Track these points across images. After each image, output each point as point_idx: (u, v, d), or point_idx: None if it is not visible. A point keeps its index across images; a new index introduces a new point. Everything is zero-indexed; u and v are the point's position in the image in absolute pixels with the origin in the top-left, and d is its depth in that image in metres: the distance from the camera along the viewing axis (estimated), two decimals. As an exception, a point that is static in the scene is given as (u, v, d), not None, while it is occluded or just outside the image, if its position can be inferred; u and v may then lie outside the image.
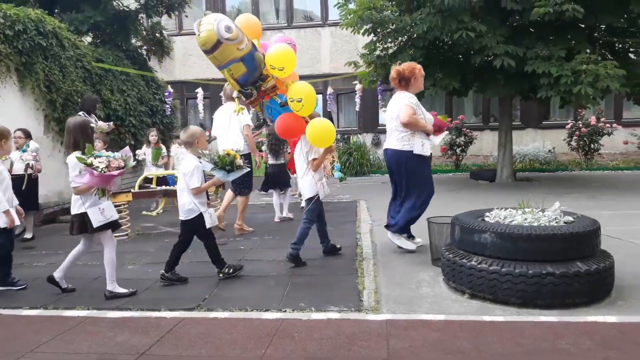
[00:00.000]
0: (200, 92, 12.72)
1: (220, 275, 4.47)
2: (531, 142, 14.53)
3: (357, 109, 12.99)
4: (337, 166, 5.70)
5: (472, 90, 11.08)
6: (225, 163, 4.23)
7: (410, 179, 5.09)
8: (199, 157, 4.35)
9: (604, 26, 9.44)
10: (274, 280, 4.40)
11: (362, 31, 10.24)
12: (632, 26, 9.41)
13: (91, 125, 4.23)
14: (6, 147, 4.38)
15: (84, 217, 4.00)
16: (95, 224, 3.97)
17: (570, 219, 3.94)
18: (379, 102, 12.71)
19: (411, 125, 4.95)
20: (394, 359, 2.76)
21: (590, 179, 11.19)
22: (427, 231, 4.78)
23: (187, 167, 4.31)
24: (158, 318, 3.57)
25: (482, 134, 14.35)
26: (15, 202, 4.42)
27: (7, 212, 4.14)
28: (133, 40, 12.61)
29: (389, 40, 10.35)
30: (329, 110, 13.56)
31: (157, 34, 13.88)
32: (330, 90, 12.59)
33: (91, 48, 10.11)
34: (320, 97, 13.39)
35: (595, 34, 9.78)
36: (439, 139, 5.27)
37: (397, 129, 5.04)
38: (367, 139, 15.26)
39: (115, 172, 3.91)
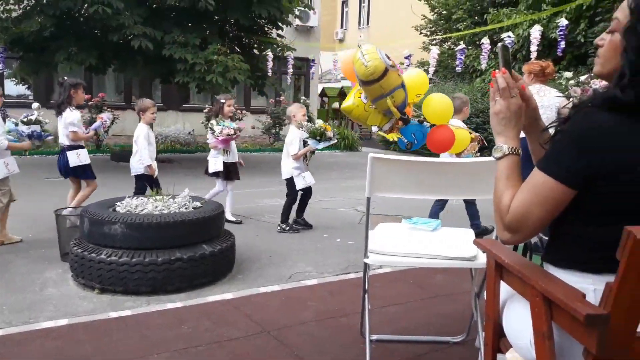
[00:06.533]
0: None
1: (279, 227, 5.48)
2: (173, 124, 14.99)
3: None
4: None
5: (112, 68, 10.65)
6: (316, 134, 5.00)
7: None
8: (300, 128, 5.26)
9: (233, 21, 10.40)
10: None
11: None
12: (255, 25, 10.68)
13: (221, 101, 5.78)
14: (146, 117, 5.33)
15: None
16: (210, 170, 5.68)
17: (198, 204, 4.21)
18: (2, 70, 10.90)
19: None
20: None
21: (224, 159, 12.31)
22: (55, 224, 4.38)
23: (288, 137, 5.36)
24: None
25: (124, 113, 13.86)
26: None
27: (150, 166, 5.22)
28: None
29: (11, 2, 8.97)
30: None
31: None
32: None
33: None
34: None
35: (227, 27, 10.70)
36: None
37: None
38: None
39: (225, 137, 5.46)
